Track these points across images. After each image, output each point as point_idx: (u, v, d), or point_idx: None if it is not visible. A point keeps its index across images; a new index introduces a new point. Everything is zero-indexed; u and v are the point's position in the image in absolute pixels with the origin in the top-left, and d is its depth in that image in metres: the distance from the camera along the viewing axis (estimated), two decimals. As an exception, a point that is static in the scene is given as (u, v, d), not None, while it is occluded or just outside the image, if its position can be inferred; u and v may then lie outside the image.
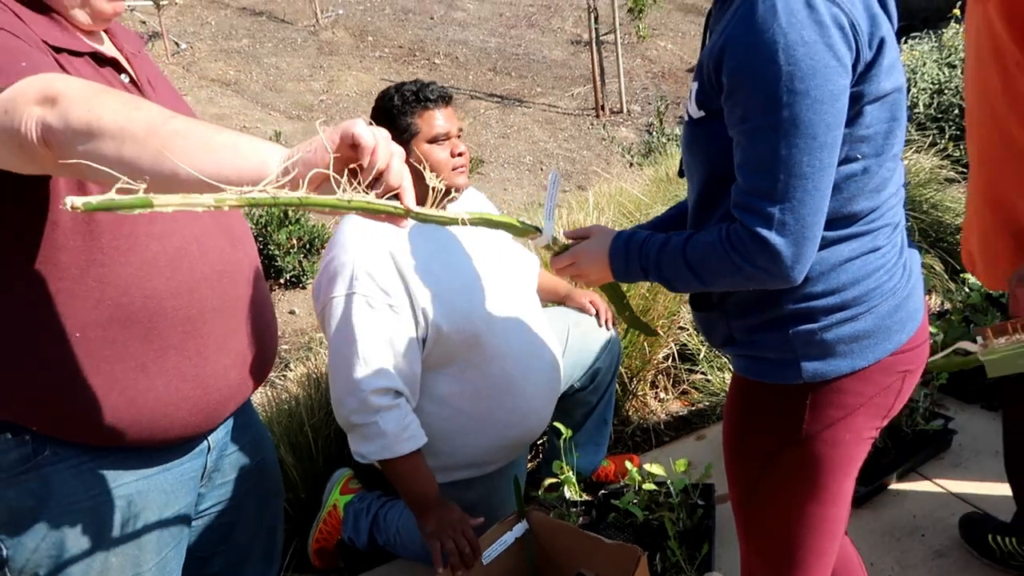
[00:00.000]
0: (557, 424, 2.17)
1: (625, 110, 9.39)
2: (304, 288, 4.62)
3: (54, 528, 1.19)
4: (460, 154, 1.94)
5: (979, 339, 1.52)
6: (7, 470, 1.18)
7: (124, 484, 1.25)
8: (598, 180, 5.64)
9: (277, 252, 4.59)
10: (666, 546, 1.96)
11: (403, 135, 1.89)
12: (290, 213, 4.75)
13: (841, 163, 1.12)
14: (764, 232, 1.08)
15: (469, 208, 2.14)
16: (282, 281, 4.63)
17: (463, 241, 2.02)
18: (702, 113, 1.19)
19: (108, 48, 1.27)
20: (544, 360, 2.09)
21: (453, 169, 1.93)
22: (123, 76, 1.24)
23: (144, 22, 9.50)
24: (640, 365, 2.84)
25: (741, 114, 1.09)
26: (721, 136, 1.15)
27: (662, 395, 2.91)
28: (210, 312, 1.24)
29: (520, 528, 1.81)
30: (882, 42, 1.10)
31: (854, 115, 1.11)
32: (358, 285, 1.82)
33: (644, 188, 3.99)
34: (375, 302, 1.82)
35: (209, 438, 1.37)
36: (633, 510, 2.04)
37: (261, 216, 4.67)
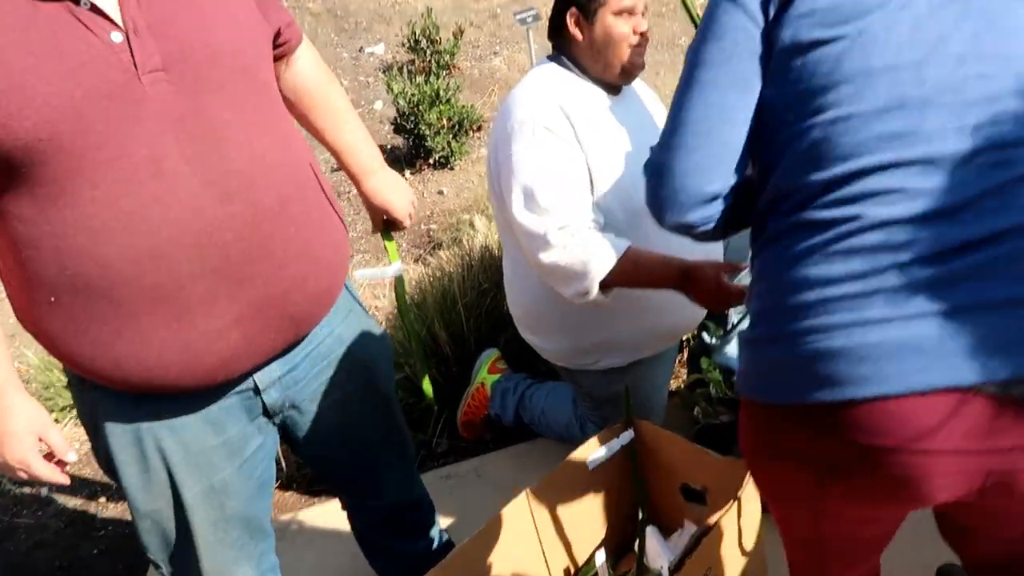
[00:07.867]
0: (708, 321, 2.14)
1: (793, -10, 8.61)
2: (452, 169, 4.66)
3: (106, 443, 1.29)
4: (642, 33, 1.87)
5: None
6: (76, 385, 1.30)
7: (164, 415, 1.28)
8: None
9: (427, 132, 4.61)
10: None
11: (591, 3, 1.85)
12: (442, 92, 4.74)
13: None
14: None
15: (644, 100, 2.07)
16: (431, 162, 4.68)
17: (635, 128, 1.95)
18: None
19: None
20: (710, 251, 2.03)
21: (633, 47, 1.87)
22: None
23: None
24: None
25: None
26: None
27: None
28: (187, 277, 1.15)
29: (627, 436, 1.78)
30: None
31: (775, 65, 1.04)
32: (534, 136, 1.79)
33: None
34: (550, 145, 1.79)
35: (255, 378, 1.34)
36: (783, 414, 2.01)
37: (413, 95, 4.70)
